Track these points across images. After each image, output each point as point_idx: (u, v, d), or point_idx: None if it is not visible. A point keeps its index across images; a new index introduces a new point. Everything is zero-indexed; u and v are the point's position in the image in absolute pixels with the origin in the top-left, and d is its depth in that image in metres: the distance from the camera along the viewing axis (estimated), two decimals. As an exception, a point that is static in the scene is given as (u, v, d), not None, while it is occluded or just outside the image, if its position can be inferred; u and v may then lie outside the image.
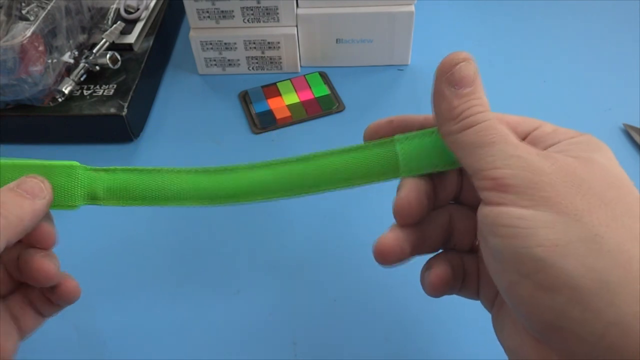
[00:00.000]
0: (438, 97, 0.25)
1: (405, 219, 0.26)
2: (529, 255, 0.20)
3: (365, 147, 0.27)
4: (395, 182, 0.28)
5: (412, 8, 0.50)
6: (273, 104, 0.52)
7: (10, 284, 0.28)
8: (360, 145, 0.27)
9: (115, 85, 0.49)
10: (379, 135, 0.28)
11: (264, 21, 0.52)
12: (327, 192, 0.27)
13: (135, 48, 0.53)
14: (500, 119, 0.25)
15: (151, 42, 0.54)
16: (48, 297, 0.28)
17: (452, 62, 0.25)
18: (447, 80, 0.25)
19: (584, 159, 0.22)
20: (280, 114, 0.51)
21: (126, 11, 0.55)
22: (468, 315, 0.36)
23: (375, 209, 0.43)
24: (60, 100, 0.48)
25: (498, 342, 0.26)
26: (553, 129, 0.25)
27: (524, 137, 0.26)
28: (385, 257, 0.26)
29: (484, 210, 0.23)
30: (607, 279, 0.19)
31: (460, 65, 0.24)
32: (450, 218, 0.28)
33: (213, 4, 0.51)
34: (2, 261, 0.27)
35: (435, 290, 0.27)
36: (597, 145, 0.24)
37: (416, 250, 0.27)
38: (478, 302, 0.29)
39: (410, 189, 0.26)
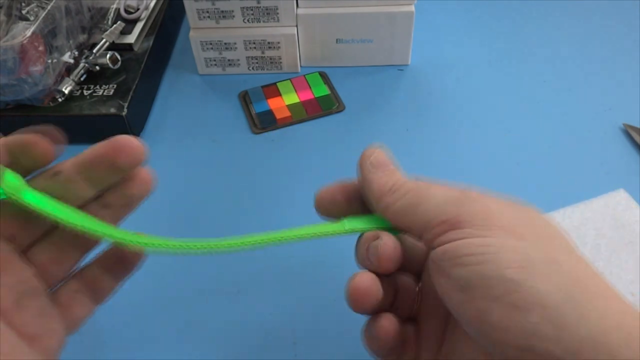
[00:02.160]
0: (368, 182, 0.27)
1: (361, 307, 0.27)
2: (499, 277, 0.21)
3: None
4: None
5: (412, 8, 0.50)
6: (273, 104, 0.52)
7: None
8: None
9: (115, 85, 0.49)
10: (331, 202, 0.29)
11: (264, 21, 0.52)
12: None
13: (135, 48, 0.53)
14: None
15: (151, 42, 0.54)
16: (122, 198, 0.26)
17: (370, 152, 0.28)
18: (372, 165, 0.27)
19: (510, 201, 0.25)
20: (280, 114, 0.51)
21: (126, 11, 0.55)
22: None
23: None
24: (60, 100, 0.48)
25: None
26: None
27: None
28: (361, 301, 0.26)
29: (440, 250, 0.23)
30: (573, 295, 0.20)
31: (377, 152, 0.28)
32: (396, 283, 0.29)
33: (213, 4, 0.51)
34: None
35: (381, 346, 0.27)
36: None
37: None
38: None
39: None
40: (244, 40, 0.53)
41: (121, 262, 0.27)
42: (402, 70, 0.55)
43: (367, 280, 0.26)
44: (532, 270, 0.21)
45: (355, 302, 0.26)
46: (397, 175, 0.27)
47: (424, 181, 0.27)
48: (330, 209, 0.29)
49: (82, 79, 0.49)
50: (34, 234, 0.25)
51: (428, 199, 0.25)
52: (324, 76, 0.54)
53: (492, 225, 0.22)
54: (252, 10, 0.51)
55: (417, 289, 0.29)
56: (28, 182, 0.24)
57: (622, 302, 0.21)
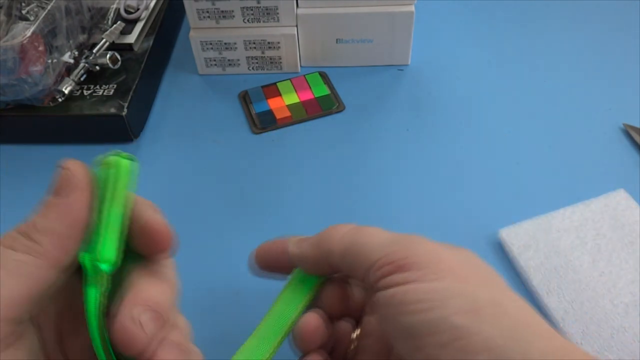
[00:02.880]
0: (303, 258, 0.28)
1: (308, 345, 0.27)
2: (447, 324, 0.21)
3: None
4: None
5: (412, 8, 0.50)
6: (273, 104, 0.52)
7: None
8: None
9: (115, 85, 0.49)
10: (271, 258, 0.30)
11: (264, 21, 0.52)
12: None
13: (135, 48, 0.53)
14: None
15: (151, 42, 0.54)
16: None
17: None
18: (293, 244, 0.28)
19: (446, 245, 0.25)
20: (280, 114, 0.51)
21: (126, 11, 0.55)
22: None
23: (378, 208, 0.43)
24: (60, 100, 0.48)
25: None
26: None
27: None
28: (308, 341, 0.27)
29: (387, 293, 0.23)
30: (516, 336, 0.21)
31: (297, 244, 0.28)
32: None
33: (213, 4, 0.51)
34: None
35: None
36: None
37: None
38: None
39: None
40: (244, 40, 0.53)
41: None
42: (402, 70, 0.55)
43: (315, 321, 0.27)
44: (478, 315, 0.21)
45: (302, 341, 0.27)
46: (333, 229, 0.27)
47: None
48: (270, 266, 0.30)
49: (82, 79, 0.49)
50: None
51: (371, 237, 0.25)
52: (324, 76, 0.54)
53: (438, 269, 0.22)
54: (252, 10, 0.51)
55: (355, 335, 0.29)
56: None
57: (563, 339, 0.22)
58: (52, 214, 0.21)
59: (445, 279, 0.22)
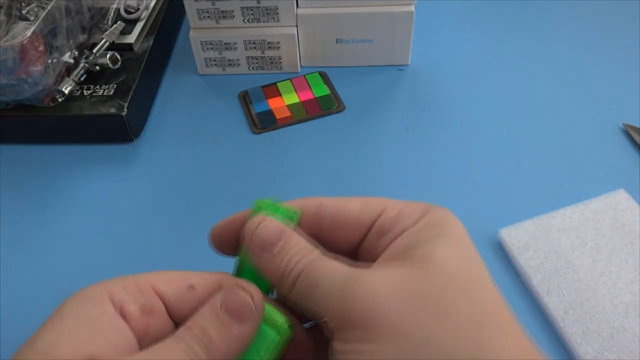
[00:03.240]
0: (259, 267, 0.24)
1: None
2: None
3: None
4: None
5: (412, 8, 0.50)
6: (273, 104, 0.52)
7: None
8: None
9: (115, 85, 0.49)
10: (225, 237, 0.28)
11: (264, 21, 0.52)
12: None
13: (135, 48, 0.53)
14: (340, 208, 0.25)
15: (151, 42, 0.54)
16: None
17: (251, 232, 0.24)
18: (256, 249, 0.24)
19: (420, 263, 0.22)
20: (280, 114, 0.51)
21: (126, 11, 0.55)
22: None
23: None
24: (60, 100, 0.48)
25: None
26: (397, 212, 0.24)
27: (369, 228, 0.25)
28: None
29: (337, 347, 0.22)
30: None
31: (259, 230, 0.24)
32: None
33: (213, 4, 0.51)
34: None
35: None
36: (443, 228, 0.23)
37: None
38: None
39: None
40: (244, 40, 0.53)
41: None
42: (402, 70, 0.55)
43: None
44: None
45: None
46: (287, 254, 0.24)
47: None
48: (226, 247, 0.27)
49: (82, 79, 0.49)
50: None
51: (324, 279, 0.22)
52: (324, 76, 0.54)
53: (380, 326, 0.20)
54: (252, 10, 0.51)
55: None
56: None
57: None
58: (231, 343, 0.22)
59: (388, 338, 0.20)
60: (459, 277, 0.21)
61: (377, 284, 0.21)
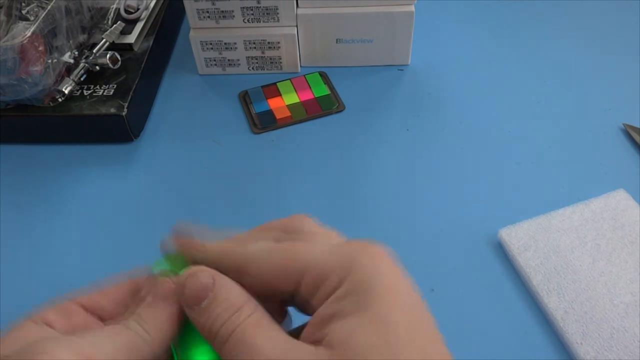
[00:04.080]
0: (192, 321, 0.23)
1: None
2: None
3: None
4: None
5: (412, 8, 0.50)
6: (273, 103, 0.52)
7: None
8: None
9: (115, 85, 0.49)
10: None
11: (264, 21, 0.52)
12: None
13: (135, 48, 0.53)
14: (258, 272, 0.24)
15: (151, 42, 0.54)
16: None
17: (181, 285, 0.23)
18: (185, 303, 0.23)
19: (337, 350, 0.20)
20: (280, 113, 0.51)
21: (126, 11, 0.55)
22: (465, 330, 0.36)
23: (378, 208, 0.43)
24: (60, 100, 0.48)
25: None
26: (316, 276, 0.22)
27: (292, 293, 0.23)
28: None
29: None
30: None
31: (187, 284, 0.23)
32: None
33: (213, 4, 0.51)
34: None
35: None
36: (365, 294, 0.21)
37: None
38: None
39: None
40: (244, 40, 0.53)
41: None
42: (402, 70, 0.55)
43: None
44: None
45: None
46: (215, 311, 0.22)
47: (251, 305, 0.23)
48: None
49: (82, 79, 0.49)
50: None
51: (252, 351, 0.21)
52: (324, 76, 0.54)
53: None
54: (252, 10, 0.51)
55: None
56: None
57: None
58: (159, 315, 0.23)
59: None
60: (391, 332, 0.20)
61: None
